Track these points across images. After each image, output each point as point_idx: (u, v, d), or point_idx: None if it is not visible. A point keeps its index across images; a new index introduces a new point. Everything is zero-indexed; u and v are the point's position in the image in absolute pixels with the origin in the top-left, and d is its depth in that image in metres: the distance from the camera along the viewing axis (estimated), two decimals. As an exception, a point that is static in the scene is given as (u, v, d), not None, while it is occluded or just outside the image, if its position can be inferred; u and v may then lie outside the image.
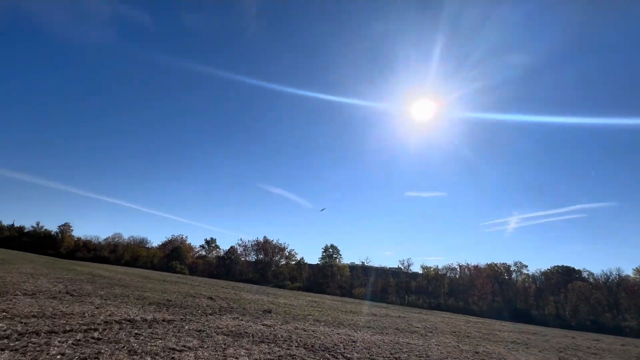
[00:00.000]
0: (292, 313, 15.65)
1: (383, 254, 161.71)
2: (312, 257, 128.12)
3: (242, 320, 11.56)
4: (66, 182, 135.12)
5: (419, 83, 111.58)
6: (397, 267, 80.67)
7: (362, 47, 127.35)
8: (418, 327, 16.45)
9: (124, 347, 6.76)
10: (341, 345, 9.41)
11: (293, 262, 78.72)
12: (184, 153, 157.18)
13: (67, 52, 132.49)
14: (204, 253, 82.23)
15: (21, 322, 7.70)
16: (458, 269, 78.25)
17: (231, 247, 79.07)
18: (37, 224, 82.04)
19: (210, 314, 12.01)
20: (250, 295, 23.36)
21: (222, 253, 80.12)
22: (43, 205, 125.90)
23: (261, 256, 77.98)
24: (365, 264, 79.84)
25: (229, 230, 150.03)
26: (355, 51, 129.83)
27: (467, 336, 15.59)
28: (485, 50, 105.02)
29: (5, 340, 6.42)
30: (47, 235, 79.34)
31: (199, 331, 8.96)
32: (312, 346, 8.85)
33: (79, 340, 6.87)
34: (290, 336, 9.78)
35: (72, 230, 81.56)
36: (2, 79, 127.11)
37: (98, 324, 8.40)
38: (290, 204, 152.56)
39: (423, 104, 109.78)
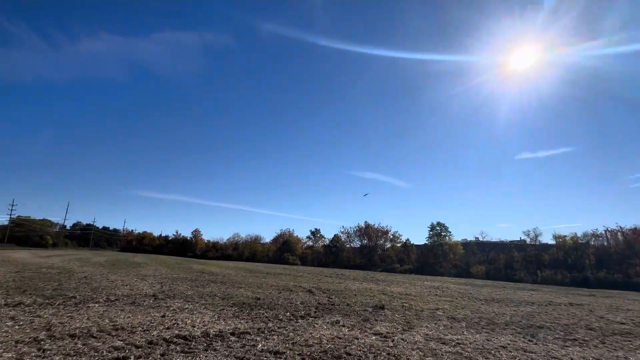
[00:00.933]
0: (414, 308, 11.28)
1: (496, 227, 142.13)
2: (418, 237, 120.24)
3: (343, 326, 7.80)
4: (192, 195, 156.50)
5: (525, 24, 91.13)
6: (519, 239, 67.73)
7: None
8: (626, 325, 10.15)
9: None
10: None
11: (399, 244, 73.28)
12: (277, 156, 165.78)
13: (170, 84, 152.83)
14: (310, 243, 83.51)
15: (41, 349, 5.34)
16: (606, 235, 61.18)
17: (335, 235, 78.08)
18: (177, 232, 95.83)
19: (302, 317, 8.60)
20: (357, 284, 19.77)
21: (327, 242, 79.86)
22: (179, 216, 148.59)
23: (365, 241, 74.83)
24: (480, 239, 69.18)
25: (331, 220, 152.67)
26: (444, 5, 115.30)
27: None
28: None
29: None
30: (184, 240, 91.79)
31: (276, 354, 5.45)
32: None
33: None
34: (424, 358, 5.52)
35: (202, 234, 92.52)
36: (127, 115, 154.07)
37: (138, 346, 5.63)
38: (386, 187, 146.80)
39: (529, 48, 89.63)
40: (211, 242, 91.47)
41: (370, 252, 72.03)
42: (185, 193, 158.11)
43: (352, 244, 77.01)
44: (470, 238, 70.56)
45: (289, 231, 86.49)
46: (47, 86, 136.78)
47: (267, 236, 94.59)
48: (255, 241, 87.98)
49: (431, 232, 69.49)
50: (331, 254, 73.60)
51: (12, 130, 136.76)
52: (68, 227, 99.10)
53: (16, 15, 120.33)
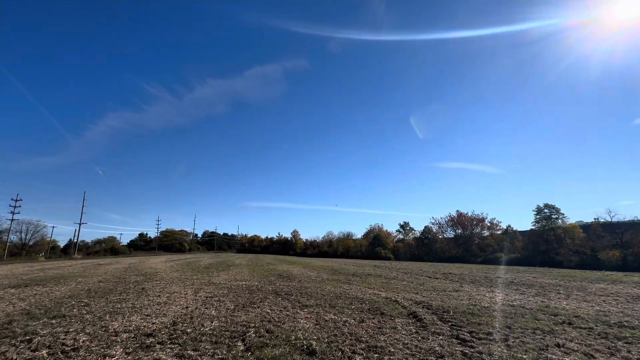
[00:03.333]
0: None
1: (620, 206, 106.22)
2: (520, 224, 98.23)
3: None
4: (291, 201, 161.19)
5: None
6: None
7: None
8: None
9: None
10: None
11: (498, 232, 58.05)
12: (366, 156, 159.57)
13: (261, 110, 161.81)
14: (401, 237, 73.86)
15: None
16: None
17: (425, 227, 66.89)
18: (279, 234, 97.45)
19: None
20: (485, 293, 11.70)
21: (417, 234, 69.14)
22: (281, 220, 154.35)
23: (459, 231, 61.69)
24: (608, 219, 48.88)
25: (418, 213, 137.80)
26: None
27: None
28: None
29: None
30: (286, 240, 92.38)
31: None
32: None
33: None
34: None
35: (300, 234, 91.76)
36: (232, 142, 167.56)
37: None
38: (474, 174, 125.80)
39: None
40: (309, 241, 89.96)
41: (466, 241, 58.79)
42: (285, 200, 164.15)
43: (444, 235, 64.60)
44: (588, 219, 50.64)
45: (379, 226, 78.62)
46: (177, 128, 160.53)
47: (358, 232, 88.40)
48: (347, 238, 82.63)
49: (538, 216, 52.13)
50: (424, 246, 62.84)
51: (153, 166, 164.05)
52: (199, 235, 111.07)
53: (151, 77, 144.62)
